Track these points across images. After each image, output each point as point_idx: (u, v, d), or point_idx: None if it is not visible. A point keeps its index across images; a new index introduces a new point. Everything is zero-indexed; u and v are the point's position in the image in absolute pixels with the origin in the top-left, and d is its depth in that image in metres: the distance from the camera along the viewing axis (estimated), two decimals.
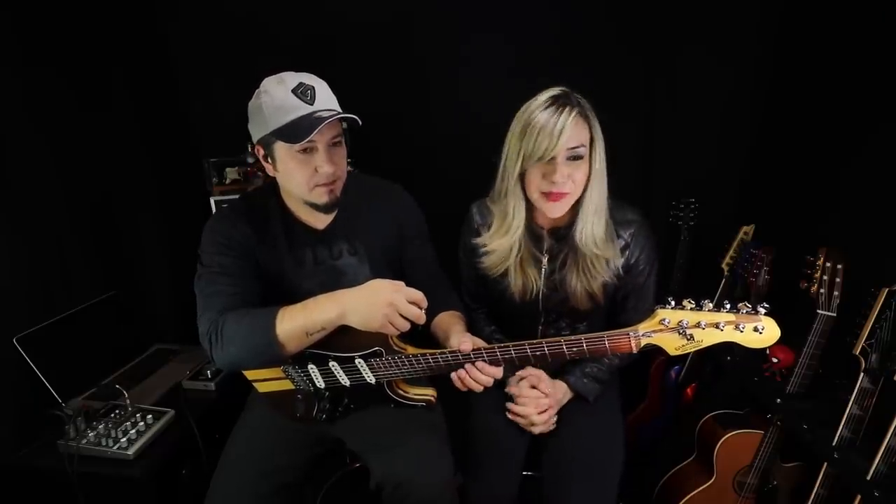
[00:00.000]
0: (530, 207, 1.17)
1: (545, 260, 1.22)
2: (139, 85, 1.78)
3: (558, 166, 1.05)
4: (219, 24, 1.86)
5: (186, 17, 1.86)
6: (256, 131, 1.05)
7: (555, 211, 1.11)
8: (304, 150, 1.01)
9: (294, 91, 1.00)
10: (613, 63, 1.80)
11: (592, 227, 1.13)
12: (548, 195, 1.09)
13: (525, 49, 1.79)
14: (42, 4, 1.48)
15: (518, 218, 1.16)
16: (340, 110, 1.05)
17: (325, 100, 1.04)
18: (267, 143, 1.04)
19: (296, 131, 0.98)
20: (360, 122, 1.01)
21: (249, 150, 1.81)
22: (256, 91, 1.04)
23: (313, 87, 1.02)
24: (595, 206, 1.12)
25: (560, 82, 1.12)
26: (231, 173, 1.81)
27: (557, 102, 1.05)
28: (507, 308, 1.30)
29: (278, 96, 1.00)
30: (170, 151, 1.89)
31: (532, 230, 1.21)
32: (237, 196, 1.43)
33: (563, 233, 1.19)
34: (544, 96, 1.08)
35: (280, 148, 1.02)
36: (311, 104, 1.01)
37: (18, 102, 1.43)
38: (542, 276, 1.22)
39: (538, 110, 1.06)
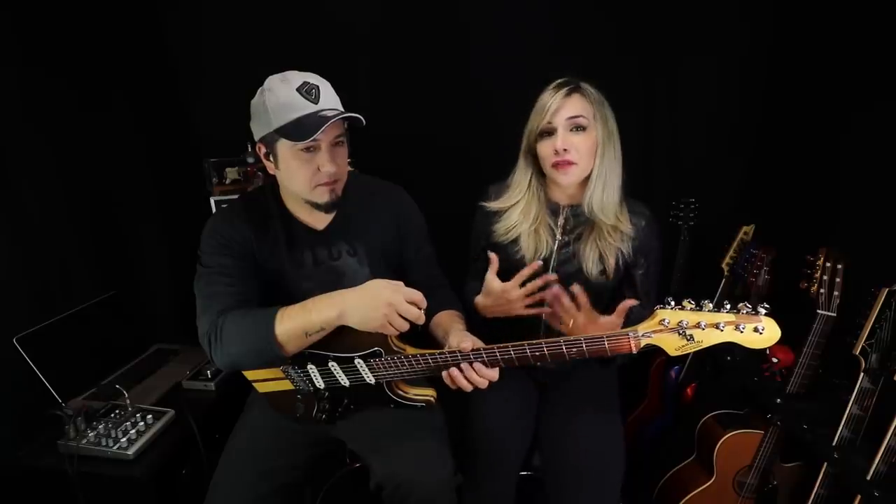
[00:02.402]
0: (543, 182, 1.27)
1: (559, 233, 1.26)
2: (139, 85, 1.78)
3: (560, 136, 1.15)
4: (219, 23, 1.86)
5: (186, 17, 1.86)
6: (259, 129, 1.04)
7: (564, 179, 1.18)
8: (307, 149, 1.01)
9: (299, 90, 1.00)
10: (613, 63, 1.80)
11: (602, 197, 1.19)
12: (556, 165, 1.17)
13: (525, 50, 1.79)
14: (42, 5, 1.48)
15: (522, 185, 1.26)
16: (343, 110, 1.05)
17: (329, 99, 1.04)
18: (269, 141, 1.03)
19: (300, 130, 0.98)
20: (364, 122, 1.01)
21: (249, 149, 1.81)
22: (260, 89, 1.04)
23: (318, 87, 1.02)
24: (603, 179, 1.19)
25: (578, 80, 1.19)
26: (231, 173, 1.81)
27: (557, 85, 1.18)
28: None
29: (283, 94, 0.99)
30: (170, 151, 1.89)
31: (550, 205, 1.27)
32: (237, 196, 1.43)
33: (579, 209, 1.24)
34: (552, 83, 1.19)
35: (283, 146, 1.02)
36: (316, 103, 1.01)
37: (18, 102, 1.43)
38: (556, 245, 1.25)
39: (543, 94, 1.19)
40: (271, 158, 1.06)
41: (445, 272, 1.31)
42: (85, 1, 1.61)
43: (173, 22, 1.87)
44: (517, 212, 1.26)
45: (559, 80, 1.18)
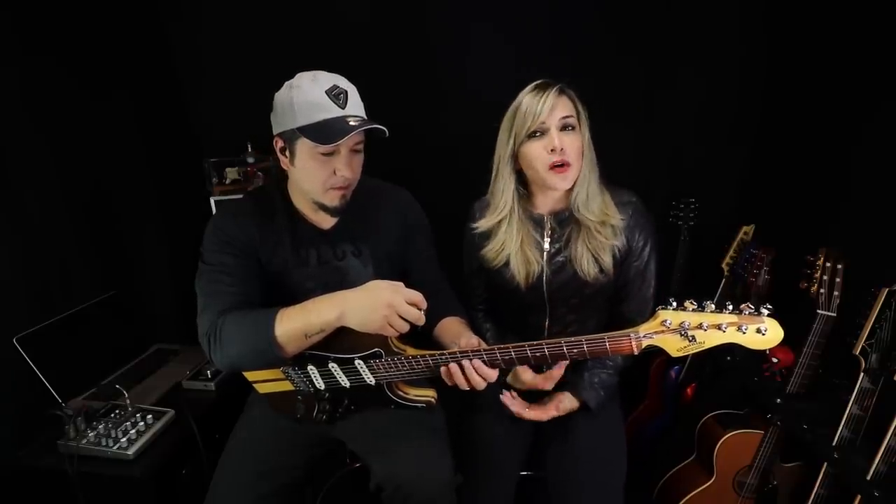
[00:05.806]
0: (524, 193, 1.23)
1: (546, 243, 1.23)
2: (140, 84, 1.78)
3: (554, 136, 1.11)
4: (220, 23, 1.85)
5: (188, 17, 1.86)
6: (280, 124, 1.04)
7: (563, 183, 1.14)
8: (327, 152, 1.01)
9: (328, 92, 1.00)
10: (613, 63, 1.80)
11: (586, 196, 1.17)
12: (554, 167, 1.13)
13: (526, 51, 1.79)
14: (44, 4, 1.47)
15: (507, 196, 1.21)
16: (366, 117, 1.05)
17: (355, 106, 1.04)
18: (289, 137, 1.03)
19: (324, 133, 0.98)
20: (387, 134, 1.01)
21: (249, 149, 1.81)
22: (287, 83, 1.04)
23: (346, 92, 1.02)
24: (587, 181, 1.17)
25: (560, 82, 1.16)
26: (231, 173, 1.81)
27: (541, 86, 1.13)
28: (513, 304, 1.30)
29: (311, 94, 1.00)
30: (170, 151, 1.89)
31: (532, 217, 1.24)
32: (237, 196, 1.42)
33: (563, 215, 1.21)
34: (530, 85, 1.15)
35: (303, 145, 1.02)
36: (343, 108, 1.01)
37: (18, 102, 1.43)
38: (545, 258, 1.23)
39: (525, 95, 1.14)
40: (287, 154, 1.06)
41: (448, 273, 1.31)
42: (87, 1, 1.61)
43: (174, 22, 1.87)
44: (503, 229, 1.22)
45: (539, 82, 1.14)
